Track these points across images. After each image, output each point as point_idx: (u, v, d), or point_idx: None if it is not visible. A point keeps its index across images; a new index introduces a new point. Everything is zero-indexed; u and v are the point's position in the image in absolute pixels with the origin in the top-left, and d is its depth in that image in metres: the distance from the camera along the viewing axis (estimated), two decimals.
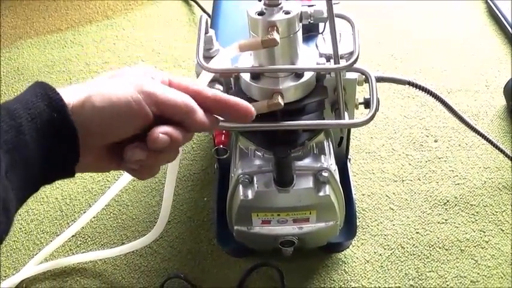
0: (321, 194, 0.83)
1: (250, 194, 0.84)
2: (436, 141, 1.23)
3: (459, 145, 1.22)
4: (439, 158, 1.19)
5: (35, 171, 0.55)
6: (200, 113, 0.61)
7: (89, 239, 1.11)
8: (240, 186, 0.84)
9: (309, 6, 0.78)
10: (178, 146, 0.62)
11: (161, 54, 1.53)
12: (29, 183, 0.56)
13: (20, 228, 1.14)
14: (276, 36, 0.69)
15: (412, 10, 1.62)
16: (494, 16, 1.57)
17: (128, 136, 0.60)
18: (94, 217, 1.10)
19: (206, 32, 0.80)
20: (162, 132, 0.58)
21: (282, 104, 0.73)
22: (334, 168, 0.87)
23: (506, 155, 1.11)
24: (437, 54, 1.46)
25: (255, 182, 0.84)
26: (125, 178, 0.93)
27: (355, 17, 0.81)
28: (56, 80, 1.50)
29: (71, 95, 0.57)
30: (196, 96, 0.61)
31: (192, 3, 1.70)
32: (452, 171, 1.17)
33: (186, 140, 0.62)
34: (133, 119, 0.58)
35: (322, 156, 0.85)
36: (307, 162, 0.84)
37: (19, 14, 1.78)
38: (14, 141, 0.52)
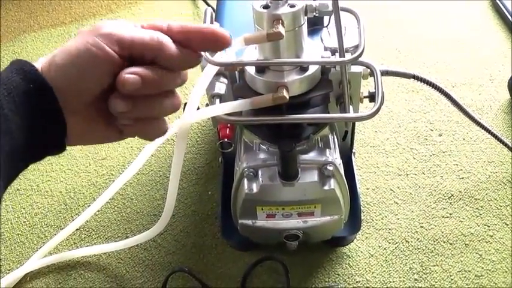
0: (326, 188, 0.83)
1: (255, 188, 0.83)
2: (440, 135, 1.23)
3: (463, 139, 1.22)
4: (444, 152, 1.19)
5: (19, 146, 0.54)
6: (171, 46, 0.59)
7: (93, 232, 1.11)
8: (245, 179, 0.84)
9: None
10: (159, 86, 0.60)
11: None
12: (15, 160, 0.55)
13: (24, 222, 1.14)
14: (281, 29, 0.68)
15: (417, 5, 1.62)
16: (499, 10, 1.57)
17: (104, 87, 0.58)
18: (98, 210, 1.10)
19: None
20: (128, 72, 0.57)
21: (287, 97, 0.72)
22: (339, 162, 0.86)
23: (510, 149, 1.11)
24: (442, 49, 1.46)
25: (259, 175, 0.84)
26: (129, 171, 0.93)
27: (360, 10, 0.80)
28: None
29: (39, 64, 0.57)
30: (166, 32, 0.60)
31: None
32: (457, 165, 1.17)
33: (171, 81, 0.61)
34: (97, 65, 0.57)
35: (327, 150, 0.85)
36: (312, 156, 0.84)
37: (23, 7, 1.78)
38: None
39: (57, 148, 0.59)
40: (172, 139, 1.20)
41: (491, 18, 1.55)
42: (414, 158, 1.18)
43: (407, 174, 1.15)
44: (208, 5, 1.60)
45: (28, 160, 0.58)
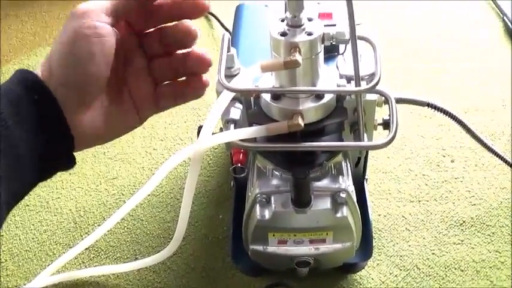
0: (339, 215, 0.83)
1: (267, 214, 0.83)
2: (452, 161, 1.22)
3: (476, 165, 1.21)
4: (456, 179, 1.19)
5: (26, 160, 0.54)
6: None
7: (102, 252, 1.11)
8: (257, 205, 0.84)
9: (330, 25, 0.78)
10: None
11: None
12: (22, 175, 0.55)
13: (33, 238, 1.14)
14: (298, 57, 0.68)
15: (428, 29, 1.62)
16: (511, 34, 1.56)
17: (109, 66, 0.60)
18: (108, 230, 1.09)
19: (228, 51, 0.80)
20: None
21: (302, 124, 0.72)
22: (351, 189, 0.86)
23: None
24: (454, 73, 1.46)
25: (272, 201, 0.83)
26: (141, 193, 0.92)
27: (377, 38, 0.80)
28: None
29: (39, 70, 0.58)
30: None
31: (212, 18, 1.70)
32: (469, 191, 1.16)
33: None
34: (93, 45, 0.58)
35: (340, 177, 0.85)
36: (325, 183, 0.84)
37: (39, 21, 1.79)
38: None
39: (66, 162, 0.59)
40: (185, 162, 1.20)
41: (503, 43, 1.55)
42: (426, 185, 1.18)
43: (419, 201, 1.15)
44: (223, 27, 1.60)
45: (37, 176, 0.57)
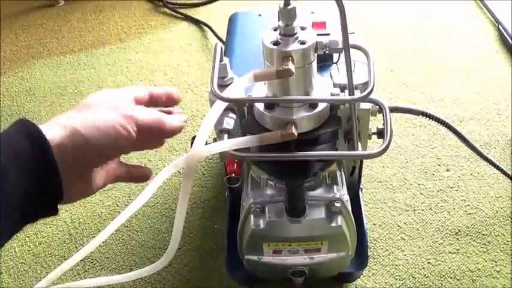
0: (333, 224, 0.83)
1: (261, 224, 0.83)
2: (448, 170, 1.22)
3: (471, 174, 1.21)
4: (451, 188, 1.18)
5: (18, 210, 0.57)
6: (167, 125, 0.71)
7: (97, 263, 1.10)
8: (252, 215, 0.83)
9: (324, 35, 0.78)
10: None
11: (173, 79, 1.53)
12: (13, 222, 0.58)
13: (28, 250, 1.13)
14: (291, 66, 0.68)
15: (423, 38, 1.63)
16: (506, 43, 1.57)
17: (117, 157, 0.69)
18: (103, 242, 1.09)
19: (221, 60, 0.80)
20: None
21: (296, 134, 0.72)
22: (346, 198, 0.86)
23: None
24: (449, 83, 1.46)
25: (266, 211, 0.83)
26: (135, 204, 0.92)
27: (370, 47, 0.80)
28: (68, 101, 1.50)
29: (54, 131, 0.60)
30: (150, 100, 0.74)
31: (206, 28, 1.71)
32: (464, 200, 1.16)
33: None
34: (121, 142, 0.65)
35: (335, 186, 0.84)
36: (319, 192, 0.84)
37: (33, 33, 1.80)
38: None
39: (51, 212, 0.64)
40: (179, 172, 1.20)
41: (498, 51, 1.56)
42: (421, 194, 1.17)
43: (414, 210, 1.14)
44: (217, 37, 1.61)
45: (20, 224, 0.61)
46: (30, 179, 0.57)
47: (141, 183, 1.21)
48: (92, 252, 1.08)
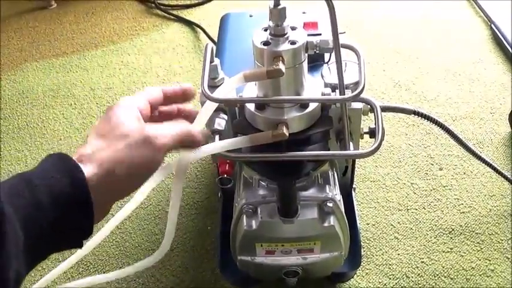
0: (326, 224, 0.83)
1: (254, 224, 0.83)
2: (441, 169, 1.22)
3: (464, 173, 1.21)
4: (444, 187, 1.19)
5: (47, 245, 0.58)
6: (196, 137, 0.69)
7: (91, 266, 1.10)
8: (244, 216, 0.83)
9: (315, 35, 0.78)
10: None
11: (166, 81, 1.53)
12: (40, 255, 0.59)
13: None
14: (281, 66, 0.68)
15: (417, 38, 1.63)
16: (499, 43, 1.57)
17: None
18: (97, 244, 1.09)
19: (211, 61, 0.79)
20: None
21: (287, 134, 0.72)
22: (338, 198, 0.86)
23: (511, 182, 1.10)
24: (442, 82, 1.46)
25: (258, 212, 0.83)
26: (127, 207, 0.91)
27: (360, 46, 0.80)
28: (61, 104, 1.50)
29: (89, 169, 0.60)
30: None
31: (198, 29, 1.70)
32: (458, 199, 1.16)
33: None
34: (152, 173, 0.66)
35: (327, 186, 0.84)
36: (311, 192, 0.84)
37: (25, 36, 1.79)
38: (32, 217, 0.54)
39: (76, 246, 0.64)
40: (172, 174, 1.20)
41: (491, 51, 1.56)
42: (415, 193, 1.17)
43: (407, 209, 1.14)
44: (210, 38, 1.61)
45: (47, 254, 0.61)
46: (64, 218, 0.57)
47: None
48: (85, 255, 1.08)
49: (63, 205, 0.56)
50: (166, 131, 0.66)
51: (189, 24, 1.75)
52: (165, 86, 0.75)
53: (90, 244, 1.02)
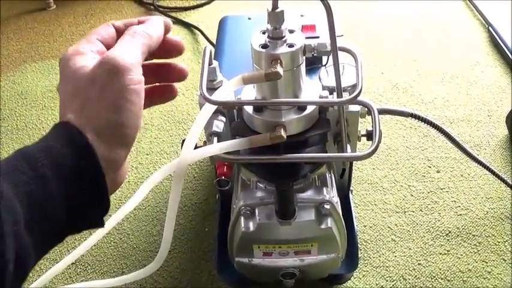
0: (323, 226, 0.83)
1: (251, 226, 0.83)
2: (438, 171, 1.22)
3: (461, 175, 1.21)
4: (441, 189, 1.19)
5: (60, 224, 0.53)
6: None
7: (89, 267, 1.10)
8: (242, 218, 0.84)
9: (313, 37, 0.78)
10: None
11: None
12: (53, 235, 0.54)
13: None
14: (279, 69, 0.68)
15: (415, 40, 1.63)
16: (497, 45, 1.58)
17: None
18: (94, 245, 1.09)
19: (210, 64, 0.80)
20: None
21: (285, 137, 0.72)
22: (336, 200, 0.86)
23: (508, 185, 1.11)
24: (440, 85, 1.46)
25: (256, 214, 0.83)
26: (125, 208, 0.92)
27: (358, 49, 0.80)
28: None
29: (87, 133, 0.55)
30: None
31: (197, 32, 1.71)
32: (455, 201, 1.16)
33: None
34: (138, 96, 0.58)
35: (324, 188, 0.85)
36: (309, 194, 0.84)
37: (24, 37, 1.79)
38: (37, 193, 0.50)
39: (97, 226, 0.58)
40: (170, 175, 1.20)
41: (489, 53, 1.56)
42: (412, 195, 1.18)
43: (404, 212, 1.15)
44: (208, 40, 1.61)
45: (64, 235, 0.56)
46: (75, 190, 0.52)
47: (132, 187, 1.23)
48: (83, 255, 1.08)
49: (71, 179, 0.52)
50: (127, 46, 0.60)
51: (188, 26, 1.76)
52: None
53: (87, 244, 1.02)
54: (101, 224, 0.58)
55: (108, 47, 0.62)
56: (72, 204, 0.53)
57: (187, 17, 1.81)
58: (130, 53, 0.59)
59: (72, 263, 1.08)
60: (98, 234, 1.00)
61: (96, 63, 0.57)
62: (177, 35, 1.73)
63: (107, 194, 0.56)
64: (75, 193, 0.53)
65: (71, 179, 0.52)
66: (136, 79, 0.57)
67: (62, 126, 0.55)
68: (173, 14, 1.82)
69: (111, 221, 0.97)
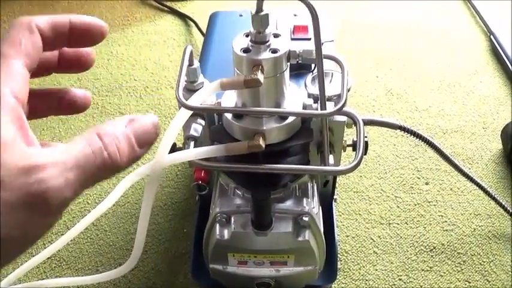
0: (300, 239, 0.80)
1: (226, 234, 0.80)
2: (427, 183, 1.20)
3: (451, 189, 1.19)
4: (429, 202, 1.16)
5: None
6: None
7: (64, 262, 1.08)
8: (217, 225, 0.81)
9: (305, 39, 0.75)
10: None
11: (154, 75, 1.50)
12: None
13: None
14: (259, 76, 0.65)
15: (413, 46, 1.60)
16: (497, 55, 1.55)
17: None
18: (71, 240, 1.06)
19: (191, 64, 0.77)
20: None
21: (263, 146, 0.69)
22: (316, 211, 0.83)
23: (498, 203, 1.07)
24: (436, 92, 1.43)
25: (232, 222, 0.81)
26: (106, 202, 0.89)
27: (344, 58, 0.77)
28: None
29: None
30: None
31: (191, 23, 1.68)
32: (442, 216, 1.14)
33: None
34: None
35: (305, 199, 0.82)
36: (288, 205, 0.81)
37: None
38: None
39: None
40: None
41: (489, 63, 1.53)
42: (398, 207, 1.15)
43: (389, 224, 1.12)
44: (201, 32, 1.59)
45: None
46: None
47: (113, 182, 1.20)
48: (59, 251, 1.05)
49: None
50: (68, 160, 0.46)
51: (183, 17, 1.73)
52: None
53: (63, 239, 1.00)
54: None
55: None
56: None
57: (183, 7, 1.77)
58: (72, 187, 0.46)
59: (47, 258, 1.05)
60: (76, 229, 0.97)
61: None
62: (171, 25, 1.71)
63: None
64: None
65: None
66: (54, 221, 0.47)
67: None
68: (168, 4, 1.78)
69: (89, 216, 0.94)
